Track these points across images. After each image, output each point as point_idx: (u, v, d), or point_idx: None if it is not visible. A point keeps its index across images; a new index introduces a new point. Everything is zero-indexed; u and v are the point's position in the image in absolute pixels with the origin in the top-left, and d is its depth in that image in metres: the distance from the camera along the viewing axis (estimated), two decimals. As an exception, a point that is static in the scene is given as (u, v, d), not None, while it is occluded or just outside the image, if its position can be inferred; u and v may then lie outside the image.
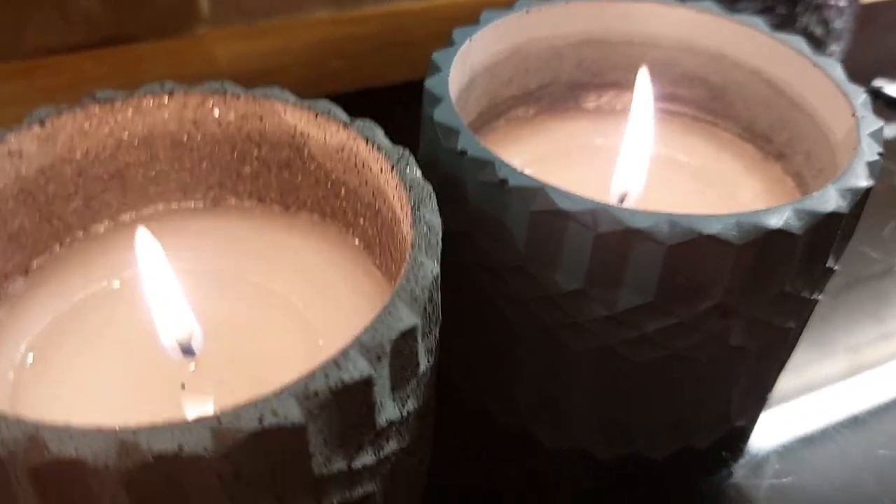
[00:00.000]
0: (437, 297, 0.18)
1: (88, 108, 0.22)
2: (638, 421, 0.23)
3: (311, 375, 0.15)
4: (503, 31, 0.26)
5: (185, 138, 0.23)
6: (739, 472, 0.24)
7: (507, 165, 0.20)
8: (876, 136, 0.21)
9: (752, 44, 0.25)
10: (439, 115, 0.21)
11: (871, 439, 0.25)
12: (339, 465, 0.16)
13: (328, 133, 0.22)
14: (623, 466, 0.24)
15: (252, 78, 0.41)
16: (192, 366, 0.20)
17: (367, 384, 0.16)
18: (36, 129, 0.21)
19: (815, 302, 0.22)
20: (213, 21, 0.44)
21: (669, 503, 0.24)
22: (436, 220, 0.19)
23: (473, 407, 0.25)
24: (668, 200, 0.25)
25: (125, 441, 0.14)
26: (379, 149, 0.20)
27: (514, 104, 0.28)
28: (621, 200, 0.24)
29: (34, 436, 0.14)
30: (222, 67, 0.42)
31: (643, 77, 0.25)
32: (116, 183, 0.23)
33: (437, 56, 0.23)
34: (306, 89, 0.41)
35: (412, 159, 0.20)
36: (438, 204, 0.22)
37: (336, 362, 0.15)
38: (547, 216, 0.19)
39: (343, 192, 0.23)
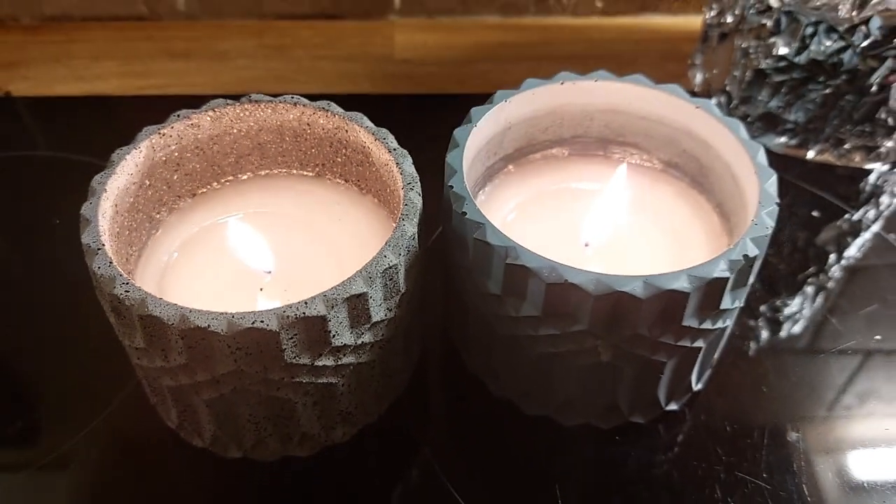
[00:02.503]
0: (398, 276, 0.29)
1: (244, 104, 0.34)
2: (544, 394, 0.32)
3: (290, 306, 0.26)
4: (541, 95, 0.34)
5: (302, 132, 0.35)
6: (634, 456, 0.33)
7: (472, 205, 0.29)
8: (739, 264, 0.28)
9: (727, 143, 0.32)
10: (455, 182, 0.30)
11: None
12: (305, 360, 0.28)
13: (381, 152, 0.32)
14: (544, 423, 0.33)
15: (414, 64, 0.52)
16: (267, 278, 0.33)
17: (323, 320, 0.27)
18: (210, 112, 0.33)
19: (689, 349, 0.30)
20: (402, 12, 0.56)
21: (575, 465, 0.33)
22: (408, 234, 0.29)
23: (453, 352, 0.35)
24: (626, 250, 0.33)
25: (184, 315, 0.26)
26: (402, 173, 0.31)
27: (550, 146, 0.37)
28: (586, 244, 0.33)
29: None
30: (395, 51, 0.54)
31: (621, 172, 0.33)
32: (257, 151, 0.35)
33: (475, 110, 0.33)
34: (451, 83, 0.52)
35: (417, 185, 0.30)
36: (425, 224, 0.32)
37: (306, 302, 0.26)
38: (483, 244, 0.28)
39: (389, 190, 0.33)
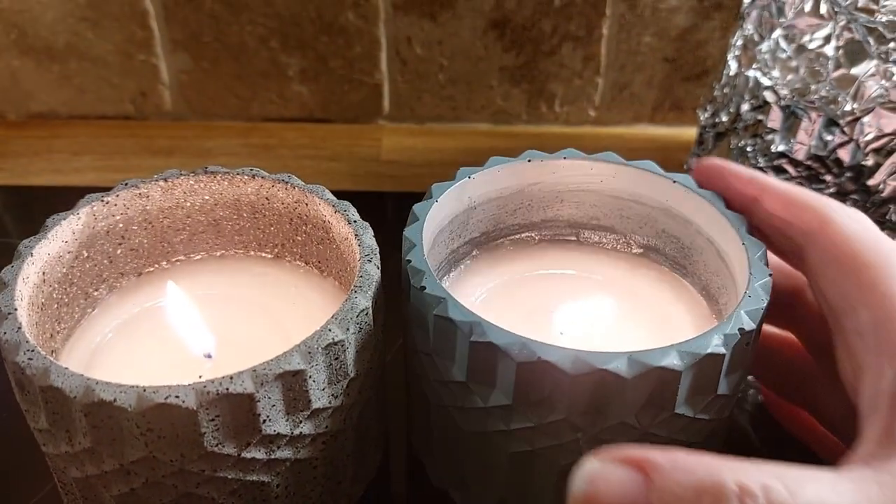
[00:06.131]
0: (346, 356, 0.25)
1: (198, 175, 0.31)
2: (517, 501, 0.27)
3: (212, 381, 0.23)
4: (506, 173, 0.31)
5: (261, 208, 0.32)
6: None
7: (432, 279, 0.26)
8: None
9: (709, 218, 0.29)
10: (414, 256, 0.27)
11: None
12: (230, 450, 0.24)
13: (341, 225, 0.29)
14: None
15: (400, 165, 0.50)
16: (209, 364, 0.29)
17: (250, 400, 0.23)
18: (161, 182, 0.31)
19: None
20: (391, 117, 0.55)
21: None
22: (360, 307, 0.25)
23: (416, 464, 0.31)
24: (605, 338, 0.29)
25: (89, 387, 0.22)
26: (360, 245, 0.28)
27: (519, 230, 0.34)
28: (561, 333, 0.29)
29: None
30: (382, 153, 0.52)
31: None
32: (213, 228, 0.33)
33: (435, 186, 0.30)
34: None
35: (376, 258, 0.27)
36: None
37: (231, 377, 0.23)
38: (444, 321, 0.25)
39: (349, 268, 0.30)
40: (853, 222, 0.25)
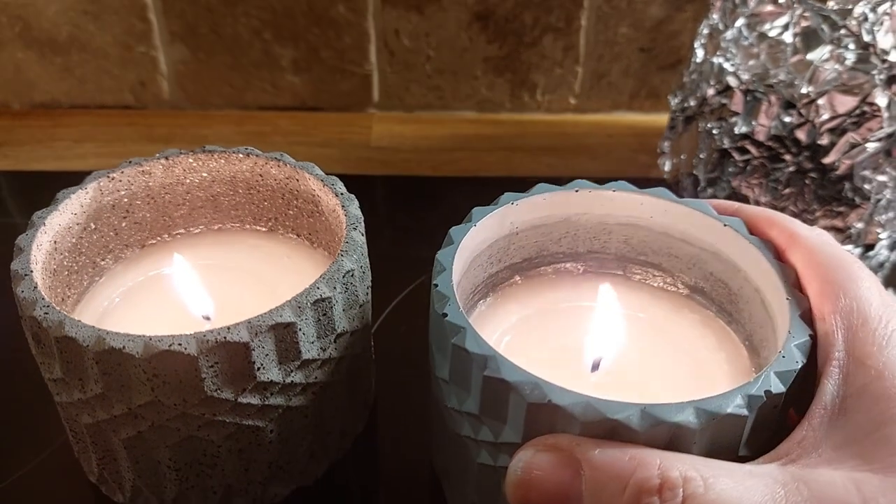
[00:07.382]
0: (332, 312, 0.27)
1: (197, 154, 0.34)
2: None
3: (211, 330, 0.25)
4: (553, 202, 0.31)
5: (255, 184, 0.35)
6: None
7: (455, 307, 0.26)
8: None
9: (757, 265, 0.28)
10: (441, 281, 0.26)
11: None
12: (227, 395, 0.26)
13: (329, 197, 0.32)
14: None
15: (389, 151, 0.53)
16: (207, 325, 0.31)
17: (246, 348, 0.25)
18: (162, 160, 0.33)
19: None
20: (381, 106, 0.57)
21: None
22: (345, 268, 0.28)
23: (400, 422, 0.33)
24: (636, 381, 0.29)
25: (101, 336, 0.25)
26: (346, 215, 0.30)
27: (563, 259, 0.33)
28: (595, 365, 0.29)
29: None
30: (372, 139, 0.55)
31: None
32: (211, 203, 0.35)
33: (476, 210, 0.29)
34: (425, 169, 0.52)
35: (361, 226, 0.30)
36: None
37: (228, 328, 0.25)
38: (461, 351, 0.24)
39: (337, 238, 0.33)
40: (815, 236, 0.27)
